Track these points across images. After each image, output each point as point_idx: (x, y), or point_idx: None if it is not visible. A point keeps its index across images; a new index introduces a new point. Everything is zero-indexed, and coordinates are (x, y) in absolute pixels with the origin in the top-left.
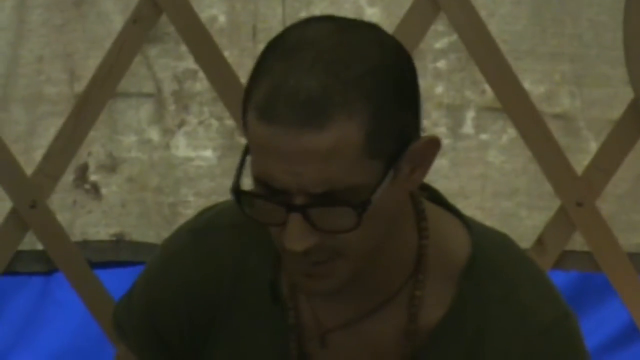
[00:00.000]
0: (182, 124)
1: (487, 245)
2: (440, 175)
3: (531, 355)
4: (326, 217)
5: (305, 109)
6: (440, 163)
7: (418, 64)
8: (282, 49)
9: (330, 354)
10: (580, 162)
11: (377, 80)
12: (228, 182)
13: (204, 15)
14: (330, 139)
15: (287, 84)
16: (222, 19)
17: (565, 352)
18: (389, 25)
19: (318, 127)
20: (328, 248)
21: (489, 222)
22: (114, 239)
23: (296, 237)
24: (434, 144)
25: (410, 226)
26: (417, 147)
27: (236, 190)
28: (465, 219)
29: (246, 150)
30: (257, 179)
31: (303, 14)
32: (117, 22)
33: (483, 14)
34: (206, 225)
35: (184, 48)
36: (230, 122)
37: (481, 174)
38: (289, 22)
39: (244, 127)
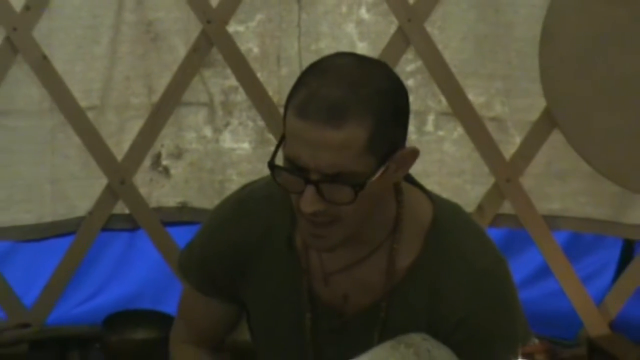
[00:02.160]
0: (227, 124)
1: (444, 211)
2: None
3: (476, 289)
4: (331, 192)
5: (329, 113)
6: None
7: None
8: (317, 70)
9: (331, 290)
10: (508, 151)
11: (382, 100)
12: (260, 165)
13: (242, 47)
14: (343, 136)
15: (317, 94)
16: (255, 50)
17: (499, 286)
18: (374, 54)
19: (336, 127)
20: (329, 214)
21: (444, 195)
22: (179, 205)
23: (309, 202)
24: (415, 153)
25: (391, 199)
26: (403, 153)
27: (271, 164)
28: (429, 192)
29: (282, 138)
30: (287, 158)
31: (313, 47)
32: (181, 52)
33: (440, 46)
34: (246, 196)
35: (228, 71)
36: (261, 123)
37: (438, 159)
38: (303, 53)
39: (284, 121)
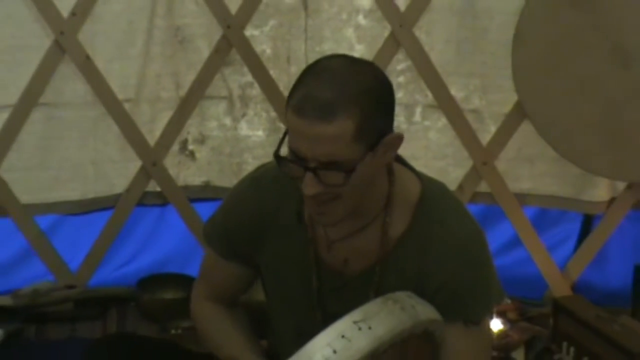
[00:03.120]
0: (244, 115)
1: (431, 189)
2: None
3: (457, 256)
4: (327, 176)
5: (321, 111)
6: None
7: None
8: (313, 71)
9: (333, 256)
10: (484, 138)
11: (368, 97)
12: (272, 150)
13: (257, 49)
14: (333, 130)
15: (312, 93)
16: (268, 51)
17: (477, 253)
18: (369, 55)
19: (327, 122)
20: (327, 195)
21: (430, 175)
22: (203, 184)
23: (308, 186)
24: (400, 138)
25: (384, 178)
26: (389, 139)
27: (276, 155)
28: (417, 172)
29: (285, 132)
30: (290, 149)
31: (317, 49)
32: (205, 53)
33: (426, 48)
34: (260, 175)
35: (245, 69)
36: (273, 114)
37: (425, 145)
38: (309, 53)
39: (286, 118)
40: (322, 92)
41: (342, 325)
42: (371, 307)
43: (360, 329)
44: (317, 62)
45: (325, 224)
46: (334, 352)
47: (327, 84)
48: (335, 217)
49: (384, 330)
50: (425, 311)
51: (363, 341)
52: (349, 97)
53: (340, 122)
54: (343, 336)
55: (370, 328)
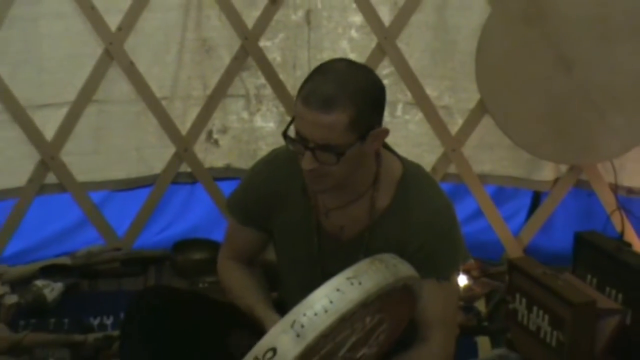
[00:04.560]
0: (258, 110)
1: (410, 170)
2: None
3: (432, 223)
4: (322, 156)
5: (322, 103)
6: None
7: None
8: (321, 70)
9: (331, 222)
10: (453, 129)
11: (363, 96)
12: (281, 139)
13: (269, 56)
14: (331, 120)
15: (318, 88)
16: (278, 58)
17: (448, 221)
18: (361, 61)
19: (326, 113)
20: (320, 171)
21: (409, 159)
22: (225, 166)
23: (307, 162)
24: (385, 132)
25: (373, 160)
26: (377, 132)
27: (285, 134)
28: (400, 156)
29: (292, 119)
30: (296, 132)
31: (318, 57)
32: (226, 60)
33: (406, 56)
34: (272, 157)
35: (259, 73)
36: (282, 110)
37: (405, 135)
38: (311, 61)
39: (294, 107)
40: (325, 88)
41: (338, 280)
42: (361, 266)
43: (352, 284)
44: (325, 63)
45: (316, 191)
46: (331, 302)
47: (331, 82)
48: (324, 187)
49: (371, 284)
50: (405, 269)
51: (355, 293)
52: (347, 95)
53: (337, 114)
54: (338, 290)
55: (360, 283)
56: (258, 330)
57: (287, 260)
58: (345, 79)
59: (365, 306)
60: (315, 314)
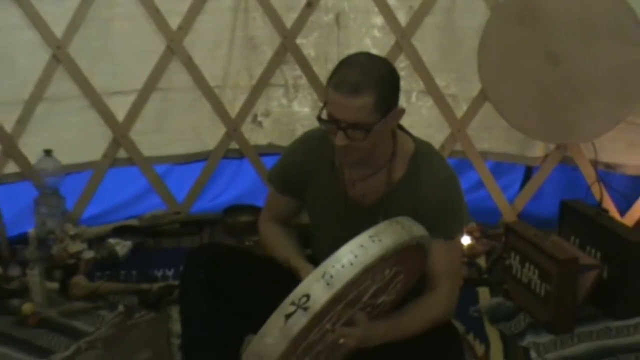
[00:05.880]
0: (295, 97)
1: (421, 146)
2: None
3: (440, 191)
4: (352, 133)
5: (350, 89)
6: None
7: None
8: (347, 62)
9: (356, 191)
10: (459, 114)
11: (383, 81)
12: (315, 121)
13: (305, 52)
14: (359, 103)
15: (346, 76)
16: (312, 54)
17: (453, 189)
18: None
19: (354, 97)
20: (352, 146)
21: (421, 138)
22: (267, 144)
23: (340, 139)
24: (402, 111)
25: (389, 139)
26: (396, 111)
27: (319, 117)
28: (412, 135)
29: (324, 105)
30: (328, 115)
31: (345, 52)
32: (269, 54)
33: (420, 52)
34: (306, 137)
35: (296, 66)
36: (315, 97)
37: (418, 118)
38: (340, 56)
39: (326, 94)
40: (353, 76)
41: (361, 238)
42: (381, 226)
43: (373, 241)
44: (350, 56)
45: (346, 164)
46: (355, 256)
47: (357, 71)
48: (354, 160)
49: (389, 242)
50: (418, 229)
51: (375, 249)
52: (371, 81)
53: (364, 98)
54: (362, 246)
55: (380, 240)
56: (293, 279)
57: (318, 223)
58: (368, 68)
59: (384, 260)
60: (343, 266)
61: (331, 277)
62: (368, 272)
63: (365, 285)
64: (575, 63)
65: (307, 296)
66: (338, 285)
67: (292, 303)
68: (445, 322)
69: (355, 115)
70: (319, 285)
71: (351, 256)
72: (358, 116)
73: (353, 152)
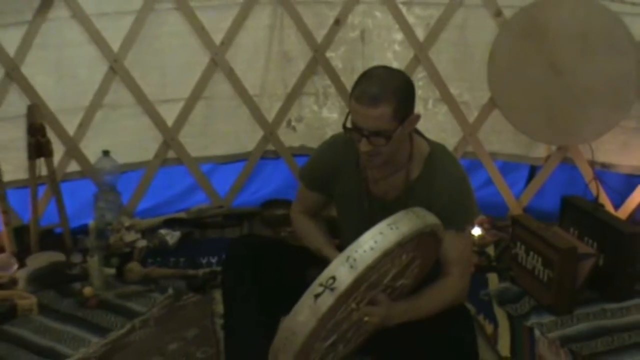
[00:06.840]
0: (325, 104)
1: (436, 148)
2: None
3: (452, 188)
4: (375, 140)
5: (372, 100)
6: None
7: None
8: (367, 75)
9: (378, 189)
10: (471, 119)
11: (400, 92)
12: (341, 126)
13: (333, 64)
14: (379, 112)
15: (366, 89)
16: (340, 66)
17: (465, 187)
18: (401, 67)
19: (375, 107)
20: (373, 152)
21: (436, 141)
22: (300, 146)
23: (364, 146)
24: (418, 117)
25: (407, 142)
26: (413, 117)
27: (344, 126)
28: (427, 139)
29: (348, 113)
30: (352, 123)
31: (370, 64)
32: (301, 67)
33: (436, 64)
34: (334, 140)
35: (326, 76)
36: (342, 104)
37: (434, 124)
38: (365, 67)
39: (349, 104)
40: (372, 89)
41: (381, 226)
42: (398, 215)
43: (391, 228)
44: (369, 70)
45: (370, 167)
46: (375, 242)
47: (376, 84)
48: (377, 163)
49: (406, 229)
50: (432, 218)
51: (393, 236)
52: (389, 92)
53: (383, 108)
54: (381, 233)
55: (397, 228)
56: (325, 265)
57: (344, 217)
58: (386, 81)
59: (401, 246)
60: (364, 251)
61: (355, 260)
62: (387, 256)
63: (385, 269)
64: (575, 73)
65: (334, 278)
66: (360, 267)
67: (321, 284)
68: (459, 305)
69: (375, 123)
70: (343, 268)
71: (372, 242)
72: (378, 124)
73: (376, 156)
